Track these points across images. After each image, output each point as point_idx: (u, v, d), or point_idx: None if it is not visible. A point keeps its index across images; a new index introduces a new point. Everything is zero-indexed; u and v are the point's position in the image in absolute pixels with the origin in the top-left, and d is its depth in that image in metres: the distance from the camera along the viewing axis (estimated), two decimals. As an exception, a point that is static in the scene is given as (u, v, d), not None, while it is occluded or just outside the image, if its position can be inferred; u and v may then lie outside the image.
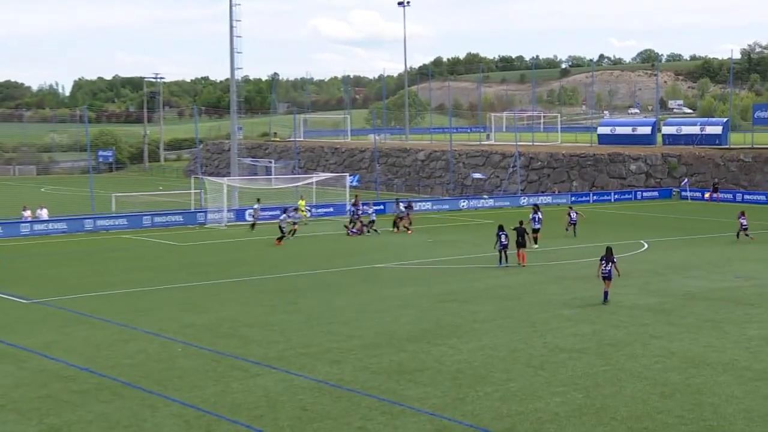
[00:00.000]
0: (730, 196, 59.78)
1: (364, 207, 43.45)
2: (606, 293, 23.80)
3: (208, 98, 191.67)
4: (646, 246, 36.40)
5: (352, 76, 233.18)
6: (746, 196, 58.72)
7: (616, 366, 17.28)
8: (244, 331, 20.81)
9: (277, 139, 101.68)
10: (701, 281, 27.03)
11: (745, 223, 37.80)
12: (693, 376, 16.43)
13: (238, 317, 22.48)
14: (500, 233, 30.78)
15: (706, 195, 58.64)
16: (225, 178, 51.74)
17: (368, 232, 41.52)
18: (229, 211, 48.25)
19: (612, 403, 14.92)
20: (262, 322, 21.82)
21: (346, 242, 39.01)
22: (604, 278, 23.76)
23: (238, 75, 55.00)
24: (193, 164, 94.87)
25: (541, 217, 36.38)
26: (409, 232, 41.80)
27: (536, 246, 34.97)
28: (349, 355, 18.49)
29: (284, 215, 38.97)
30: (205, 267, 31.52)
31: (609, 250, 24.31)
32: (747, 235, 37.81)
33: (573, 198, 60.46)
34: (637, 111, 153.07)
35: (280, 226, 38.56)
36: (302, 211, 47.17)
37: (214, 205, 48.51)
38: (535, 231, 35.77)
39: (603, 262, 23.90)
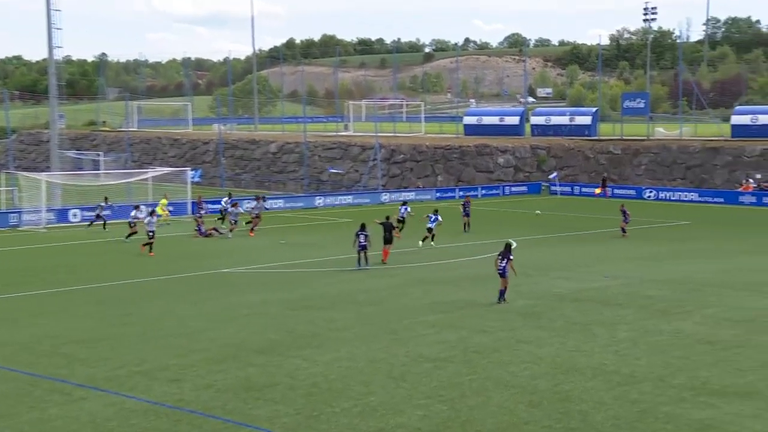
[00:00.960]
0: (600, 190, 63.07)
1: (231, 207, 42.45)
2: (501, 292, 24.89)
3: (21, 81, 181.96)
4: (514, 245, 37.76)
5: (193, 59, 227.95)
6: (616, 191, 62.23)
7: (483, 374, 17.82)
8: (69, 349, 19.94)
9: (107, 128, 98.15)
10: (570, 282, 28.37)
11: (628, 215, 40.02)
12: (561, 382, 17.21)
13: (61, 333, 21.52)
14: (359, 233, 31.15)
15: (597, 190, 60.58)
16: (43, 174, 49.52)
17: (220, 232, 40.92)
18: (48, 211, 46.16)
19: (478, 414, 15.38)
20: (89, 338, 20.98)
21: (189, 245, 38.18)
22: (500, 275, 24.82)
23: (58, 54, 52.74)
24: (4, 157, 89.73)
25: (439, 218, 37.41)
26: (252, 234, 41.30)
27: (433, 244, 36.82)
28: (189, 371, 18.09)
29: (150, 217, 36.56)
30: (22, 276, 30.01)
31: (507, 246, 25.42)
32: (624, 229, 39.98)
33: (438, 194, 61.94)
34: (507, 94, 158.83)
35: (148, 231, 36.03)
36: (163, 210, 46.34)
37: (31, 204, 46.26)
38: (430, 230, 37.29)
39: (500, 257, 24.94)
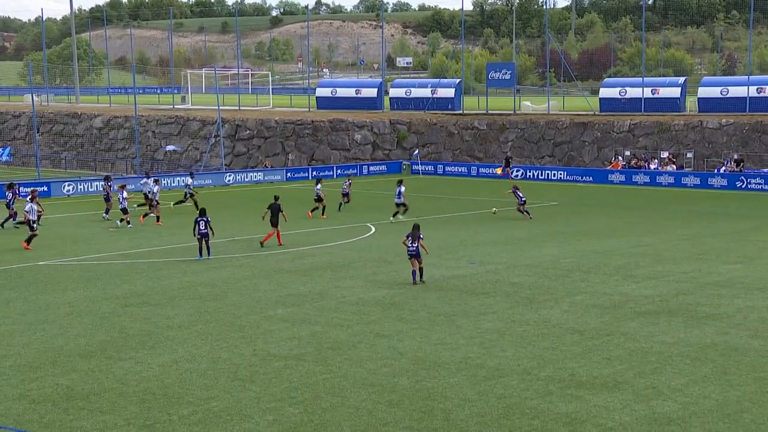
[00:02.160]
0: (463, 169, 64.72)
1: (148, 185, 42.03)
2: (414, 272, 26.70)
3: None
4: (373, 230, 38.28)
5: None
6: (481, 169, 63.98)
7: (339, 373, 17.98)
8: None
9: None
10: (434, 269, 28.97)
11: (522, 196, 41.63)
12: (424, 379, 17.60)
13: None
14: (199, 219, 30.80)
15: (498, 171, 60.98)
16: None
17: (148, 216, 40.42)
18: None
19: (333, 417, 15.52)
20: None
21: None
22: (411, 257, 26.64)
23: None
24: None
25: (402, 190, 41.07)
26: (159, 223, 40.06)
27: (401, 217, 40.30)
28: (-1, 382, 17.35)
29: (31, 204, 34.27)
30: None
31: (416, 226, 27.16)
32: (524, 211, 41.61)
33: (289, 174, 61.77)
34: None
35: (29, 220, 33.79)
36: None
37: None
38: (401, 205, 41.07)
39: (408, 238, 26.70)
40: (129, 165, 68.22)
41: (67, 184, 52.79)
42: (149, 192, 41.87)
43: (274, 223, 33.53)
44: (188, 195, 44.81)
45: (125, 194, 40.04)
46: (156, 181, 42.47)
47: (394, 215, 40.91)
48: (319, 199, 42.22)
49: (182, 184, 44.68)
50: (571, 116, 67.06)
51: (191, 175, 47.33)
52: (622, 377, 17.62)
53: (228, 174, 59.70)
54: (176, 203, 45.32)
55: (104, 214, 41.35)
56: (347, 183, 45.70)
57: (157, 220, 40.23)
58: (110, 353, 19.32)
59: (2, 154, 53.09)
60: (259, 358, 18.96)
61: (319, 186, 43.01)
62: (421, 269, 26.95)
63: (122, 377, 17.65)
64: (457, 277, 27.75)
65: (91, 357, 19.02)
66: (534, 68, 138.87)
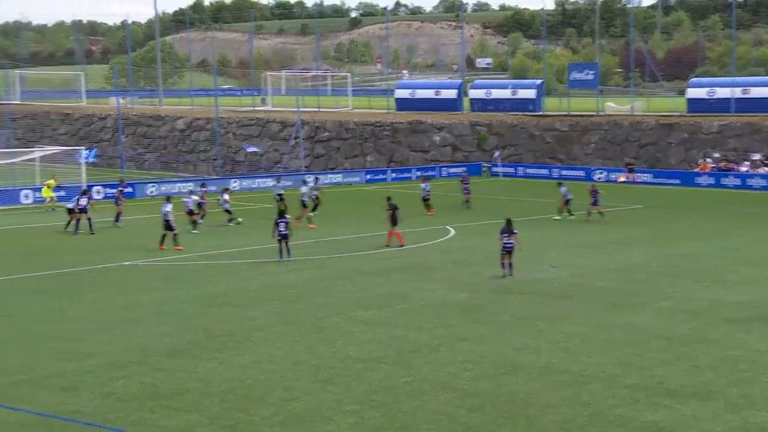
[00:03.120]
0: (544, 171, 64.11)
1: (278, 188, 43.38)
2: (503, 264, 27.76)
3: None
4: (453, 232, 38.18)
5: (85, 22, 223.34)
6: (563, 172, 63.26)
7: (419, 376, 17.97)
8: (-59, 357, 19.40)
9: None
10: (515, 272, 28.72)
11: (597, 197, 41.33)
12: (505, 383, 17.47)
13: (-69, 339, 20.92)
14: (279, 221, 31.06)
15: (621, 177, 59.56)
16: None
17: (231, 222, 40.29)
18: None
19: (414, 420, 15.52)
20: (-36, 344, 20.45)
21: (84, 234, 37.44)
22: (507, 252, 27.64)
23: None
24: None
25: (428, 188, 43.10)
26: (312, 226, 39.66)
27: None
28: (87, 378, 17.80)
29: (167, 203, 34.51)
30: None
31: (509, 221, 28.15)
32: (592, 213, 41.23)
33: (368, 176, 62.04)
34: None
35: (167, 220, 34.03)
36: (49, 194, 45.57)
37: None
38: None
39: (504, 234, 27.73)
40: (210, 167, 69.35)
41: (150, 185, 53.89)
42: (301, 195, 41.28)
43: (395, 222, 33.90)
44: (279, 198, 43.95)
45: (227, 197, 40.32)
46: (303, 182, 42.41)
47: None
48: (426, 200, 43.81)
49: (302, 188, 43.16)
50: (657, 117, 65.80)
51: (278, 179, 47.03)
52: (713, 386, 17.21)
53: (308, 175, 60.14)
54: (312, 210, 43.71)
55: (199, 219, 40.34)
56: (465, 180, 47.43)
57: (297, 220, 39.17)
58: (194, 353, 19.65)
59: (89, 155, 54.42)
60: (339, 360, 19.06)
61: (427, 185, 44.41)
62: (510, 264, 27.82)
63: (205, 377, 17.94)
64: (539, 281, 27.48)
65: (176, 356, 19.39)
66: (617, 68, 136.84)
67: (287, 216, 31.56)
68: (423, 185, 44.95)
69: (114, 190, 46.34)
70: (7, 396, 16.81)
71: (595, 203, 41.44)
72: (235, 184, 56.30)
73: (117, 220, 40.06)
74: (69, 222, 37.99)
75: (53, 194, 46.06)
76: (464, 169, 57.09)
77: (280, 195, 43.50)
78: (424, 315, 23.15)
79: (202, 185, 44.87)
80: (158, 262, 31.24)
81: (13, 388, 17.24)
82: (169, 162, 73.56)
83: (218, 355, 19.47)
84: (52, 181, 46.65)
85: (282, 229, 31.00)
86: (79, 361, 18.99)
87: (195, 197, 39.27)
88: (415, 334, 21.19)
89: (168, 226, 33.94)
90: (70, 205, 38.46)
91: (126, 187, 41.97)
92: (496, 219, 40.91)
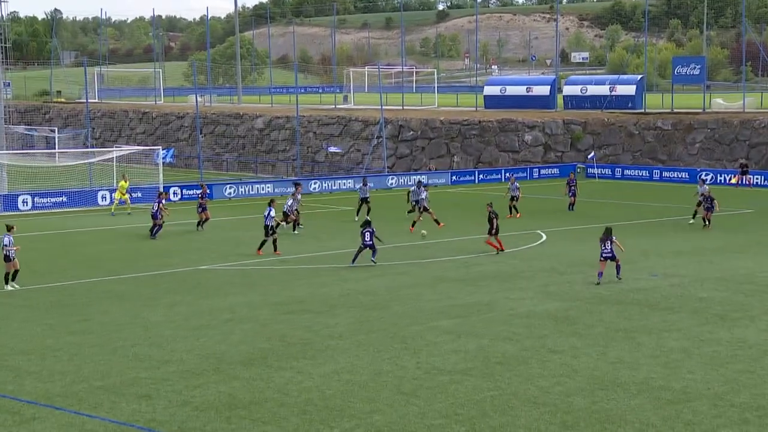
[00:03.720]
0: (644, 173, 63.11)
1: (417, 193, 41.17)
2: (601, 273, 28.00)
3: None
4: (544, 237, 37.87)
5: (164, 17, 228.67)
6: (665, 173, 62.19)
7: (508, 390, 17.87)
8: (16, 361, 20.04)
9: (62, 99, 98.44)
10: (611, 282, 28.37)
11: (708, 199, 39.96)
12: (601, 399, 17.25)
13: (6, 342, 21.64)
14: (365, 230, 31.16)
15: (733, 179, 58.47)
16: (-13, 153, 49.71)
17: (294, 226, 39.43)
18: (-6, 197, 46.39)
19: (503, 436, 15.43)
20: (40, 347, 21.08)
21: (160, 238, 38.23)
22: (607, 259, 28.07)
23: (3, 11, 52.80)
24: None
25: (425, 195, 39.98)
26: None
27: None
28: (163, 386, 18.17)
29: (269, 208, 34.47)
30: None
31: (608, 230, 28.65)
32: (707, 220, 40.01)
33: (454, 177, 61.96)
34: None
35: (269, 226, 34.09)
36: (123, 195, 46.46)
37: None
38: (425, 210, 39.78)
39: (603, 244, 28.20)
40: (290, 167, 70.14)
41: (228, 186, 54.77)
42: (417, 199, 40.87)
43: (495, 230, 33.42)
44: (363, 200, 43.39)
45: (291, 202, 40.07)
46: (425, 187, 41.31)
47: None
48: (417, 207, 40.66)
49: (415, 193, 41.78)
50: (769, 114, 64.17)
51: (364, 181, 45.10)
52: (828, 406, 16.71)
53: (390, 177, 60.40)
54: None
55: (300, 225, 40.08)
56: (571, 182, 47.03)
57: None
58: (271, 362, 19.89)
59: (167, 155, 55.57)
60: (423, 372, 19.08)
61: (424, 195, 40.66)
62: (618, 266, 28.37)
63: (283, 387, 18.14)
64: (638, 290, 27.07)
65: (252, 365, 19.66)
66: (727, 62, 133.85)
67: (372, 225, 31.61)
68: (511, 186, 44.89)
69: (196, 192, 46.84)
70: (84, 402, 17.28)
71: (709, 209, 39.97)
72: (315, 185, 56.86)
73: (201, 225, 40.23)
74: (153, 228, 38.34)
75: (127, 196, 46.66)
76: (582, 169, 57.00)
77: (365, 198, 43.30)
78: (513, 325, 23.01)
79: (297, 185, 44.68)
80: (235, 267, 31.72)
81: (89, 395, 17.71)
82: (248, 162, 74.63)
83: (296, 364, 19.67)
84: (123, 182, 47.15)
85: (367, 239, 31.07)
86: (155, 369, 19.40)
87: (292, 201, 39.19)
88: (503, 345, 21.09)
89: (269, 231, 34.00)
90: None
91: (205, 196, 41.25)
92: (590, 223, 40.48)
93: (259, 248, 34.04)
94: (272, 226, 34.12)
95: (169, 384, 18.34)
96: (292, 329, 22.74)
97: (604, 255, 28.09)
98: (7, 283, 27.76)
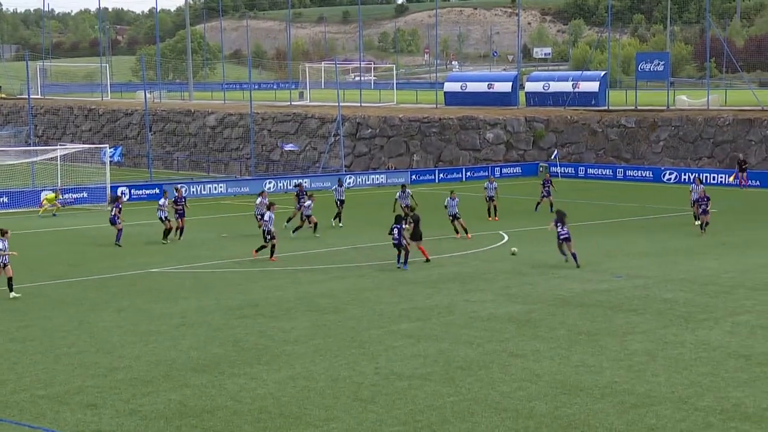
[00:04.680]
0: (608, 172, 63.69)
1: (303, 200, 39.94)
2: (573, 255, 30.89)
3: None
4: (506, 238, 38.09)
5: (110, 10, 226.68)
6: (629, 172, 62.82)
7: (469, 395, 17.95)
8: (-45, 370, 19.77)
9: (2, 95, 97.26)
10: (574, 283, 28.61)
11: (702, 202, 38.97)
12: (564, 404, 17.38)
13: (-55, 350, 21.32)
14: (395, 226, 30.93)
15: (731, 178, 57.99)
16: None
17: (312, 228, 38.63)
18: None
19: (463, 442, 15.50)
20: (-19, 356, 20.82)
21: (108, 240, 37.92)
22: (564, 240, 30.98)
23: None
24: None
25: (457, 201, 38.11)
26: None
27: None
28: (110, 394, 18.03)
29: (269, 212, 33.54)
30: None
31: (560, 212, 31.68)
32: (703, 223, 38.75)
33: (414, 176, 62.12)
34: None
35: (265, 230, 33.14)
36: (51, 197, 46.03)
37: None
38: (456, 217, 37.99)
39: (558, 225, 31.08)
40: (243, 166, 69.89)
41: (179, 185, 54.35)
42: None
43: (417, 235, 32.28)
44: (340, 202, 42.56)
45: (309, 202, 39.02)
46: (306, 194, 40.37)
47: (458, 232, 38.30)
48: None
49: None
50: (735, 112, 65.09)
51: (339, 182, 44.83)
52: (793, 409, 16.98)
53: (348, 176, 60.40)
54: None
55: (317, 232, 39.11)
56: (546, 182, 46.88)
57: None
58: (224, 368, 19.81)
59: (114, 154, 55.14)
60: (381, 377, 19.11)
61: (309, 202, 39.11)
62: (574, 254, 30.80)
63: (236, 394, 18.08)
64: (601, 292, 27.31)
65: (204, 372, 19.56)
66: (691, 58, 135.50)
67: (403, 222, 31.40)
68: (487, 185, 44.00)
69: (146, 193, 46.42)
70: (25, 412, 17.08)
71: (704, 212, 38.83)
72: (269, 185, 56.69)
73: (179, 233, 38.27)
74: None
75: (55, 200, 46.16)
76: (546, 168, 56.87)
77: (341, 200, 42.15)
78: (473, 329, 23.11)
79: (299, 185, 43.98)
80: (187, 269, 31.55)
81: (32, 404, 17.52)
82: (200, 161, 74.26)
83: (250, 371, 19.61)
84: (51, 195, 46.71)
85: (397, 235, 30.90)
86: (102, 376, 19.24)
87: (310, 201, 38.64)
88: (464, 350, 21.17)
89: (268, 236, 32.96)
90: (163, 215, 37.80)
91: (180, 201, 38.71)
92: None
93: (257, 250, 33.30)
94: (272, 230, 33.05)
95: (116, 392, 18.19)
96: (246, 334, 22.66)
97: (561, 237, 31.05)
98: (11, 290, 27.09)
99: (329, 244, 36.65)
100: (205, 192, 54.42)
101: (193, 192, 53.98)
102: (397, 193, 42.35)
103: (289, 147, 67.01)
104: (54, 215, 45.17)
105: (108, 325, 23.63)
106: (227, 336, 22.51)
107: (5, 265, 26.94)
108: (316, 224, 38.60)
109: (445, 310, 25.11)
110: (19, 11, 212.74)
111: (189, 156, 75.63)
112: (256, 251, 33.43)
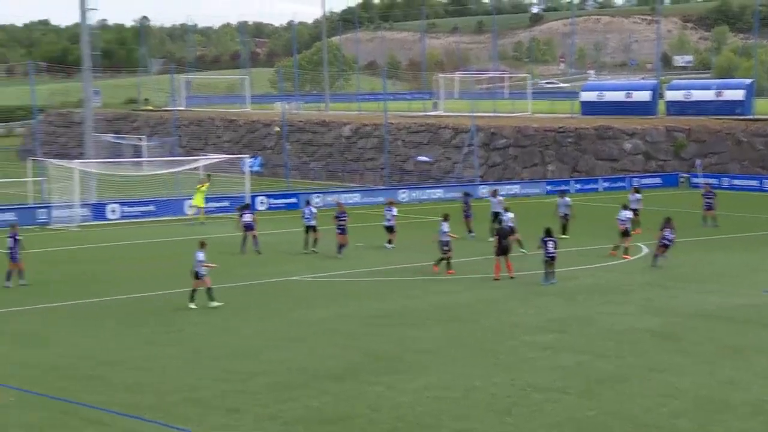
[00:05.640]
0: (754, 183, 61.66)
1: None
2: (657, 257, 32.27)
3: (49, 51, 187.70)
4: (645, 251, 37.29)
5: (251, 23, 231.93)
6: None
7: (607, 409, 17.68)
8: (107, 371, 20.56)
9: (150, 107, 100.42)
10: (719, 297, 27.85)
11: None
12: (709, 422, 16.93)
13: (97, 352, 22.19)
14: (546, 239, 30.21)
15: None
16: (76, 161, 50.98)
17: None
18: (83, 206, 47.55)
19: (603, 457, 15.27)
20: (131, 358, 21.60)
21: (247, 248, 38.78)
22: (666, 246, 32.06)
23: (92, 18, 54.14)
24: (29, 142, 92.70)
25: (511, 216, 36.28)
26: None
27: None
28: (251, 400, 18.45)
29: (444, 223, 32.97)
30: (50, 284, 30.98)
31: (668, 219, 32.36)
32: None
33: (549, 187, 61.45)
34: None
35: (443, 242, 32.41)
36: (199, 203, 46.82)
37: (62, 198, 47.67)
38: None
39: (666, 229, 32.13)
40: (378, 176, 70.45)
41: (315, 196, 55.21)
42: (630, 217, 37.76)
43: (504, 249, 31.19)
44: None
45: (395, 211, 38.70)
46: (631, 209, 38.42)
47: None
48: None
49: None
50: None
51: (494, 192, 42.73)
52: None
53: (482, 186, 60.18)
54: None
55: (470, 233, 39.26)
56: (708, 194, 44.29)
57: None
58: (360, 376, 20.02)
59: (254, 163, 56.27)
60: (517, 389, 18.99)
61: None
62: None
63: (373, 402, 18.24)
64: (749, 307, 26.49)
65: (342, 379, 19.81)
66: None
67: (555, 235, 30.81)
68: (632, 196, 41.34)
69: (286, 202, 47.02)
70: (172, 415, 17.64)
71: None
72: (403, 195, 56.98)
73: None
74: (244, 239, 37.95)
75: (203, 205, 47.03)
76: (707, 184, 53.31)
77: (496, 212, 39.74)
78: (613, 341, 22.74)
79: (467, 194, 42.70)
80: (324, 278, 31.99)
81: (178, 407, 18.08)
82: (335, 171, 75.21)
83: (386, 379, 19.75)
84: (204, 186, 47.42)
85: (551, 249, 30.21)
86: (244, 382, 19.70)
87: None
88: (603, 363, 20.86)
89: (444, 247, 32.37)
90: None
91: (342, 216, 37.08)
92: (694, 236, 39.70)
93: (436, 264, 32.55)
94: (448, 241, 32.39)
95: (257, 398, 18.60)
96: (383, 343, 22.85)
97: (662, 242, 32.23)
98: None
99: (463, 254, 36.54)
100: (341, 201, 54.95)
101: (329, 202, 54.66)
102: (490, 199, 41.37)
103: (422, 158, 67.21)
104: (202, 223, 46.34)
105: (250, 332, 24.19)
106: (364, 344, 22.75)
107: (203, 276, 27.19)
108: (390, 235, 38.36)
109: (583, 322, 24.79)
110: (165, 26, 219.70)
111: (325, 166, 76.68)
112: (436, 265, 32.51)
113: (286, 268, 33.97)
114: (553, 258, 30.08)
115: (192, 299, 27.21)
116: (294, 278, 31.94)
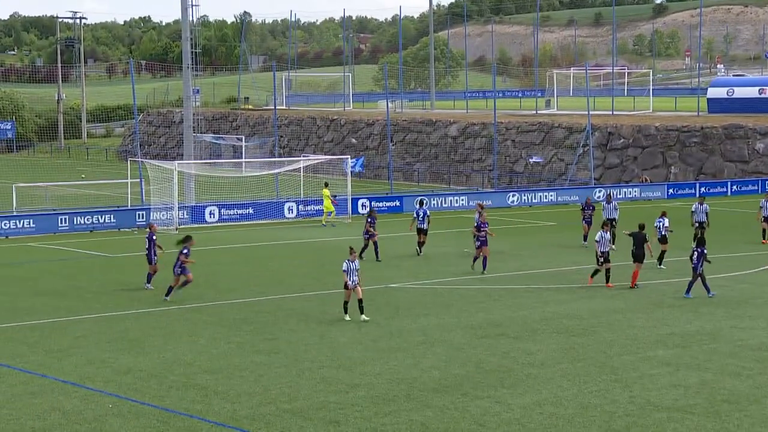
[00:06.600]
0: None
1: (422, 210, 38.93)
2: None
3: (149, 49, 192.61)
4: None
5: (354, 18, 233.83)
6: None
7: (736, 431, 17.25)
8: (204, 379, 20.89)
9: (250, 106, 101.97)
10: None
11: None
12: None
13: (194, 359, 22.56)
14: (697, 249, 29.29)
15: None
16: (176, 162, 52.01)
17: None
18: (181, 208, 48.48)
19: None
20: (227, 366, 21.89)
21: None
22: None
23: (193, 15, 55.09)
24: (129, 142, 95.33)
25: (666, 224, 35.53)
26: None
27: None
28: (352, 412, 18.53)
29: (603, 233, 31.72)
30: (148, 289, 31.64)
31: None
32: None
33: (671, 190, 60.36)
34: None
35: None
36: (329, 207, 47.74)
37: (161, 199, 48.66)
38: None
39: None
40: (486, 178, 70.19)
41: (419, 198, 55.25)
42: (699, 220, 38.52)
43: (638, 256, 31.00)
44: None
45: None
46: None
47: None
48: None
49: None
50: None
51: (609, 197, 41.83)
52: None
53: (598, 189, 59.44)
54: None
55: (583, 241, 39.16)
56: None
57: None
58: (466, 390, 19.94)
59: (356, 164, 56.60)
60: (637, 407, 18.69)
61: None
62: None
63: (480, 418, 18.14)
64: None
65: (446, 392, 19.75)
66: None
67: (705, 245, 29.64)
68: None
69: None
70: (271, 426, 17.83)
71: None
72: (513, 198, 56.65)
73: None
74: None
75: (333, 207, 47.74)
76: None
77: (612, 219, 38.93)
78: (741, 358, 22.20)
79: (608, 196, 41.92)
80: (427, 285, 31.97)
81: (277, 418, 18.26)
82: (441, 173, 75.20)
83: (493, 393, 19.63)
84: (326, 190, 48.15)
85: (696, 260, 29.25)
86: (344, 393, 19.80)
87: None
88: (731, 381, 20.37)
89: (601, 258, 31.40)
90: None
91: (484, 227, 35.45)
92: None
93: (592, 275, 31.67)
94: (605, 252, 31.45)
95: (358, 410, 18.67)
96: (489, 355, 22.72)
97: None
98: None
99: (576, 262, 36.16)
100: (446, 205, 55.01)
101: (433, 204, 54.65)
102: (603, 204, 40.64)
103: (534, 159, 66.75)
104: (333, 225, 46.84)
105: (348, 341, 24.30)
106: (469, 356, 22.65)
107: (355, 286, 26.75)
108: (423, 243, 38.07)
109: (708, 337, 24.26)
110: (267, 22, 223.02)
111: (429, 167, 76.75)
112: (591, 276, 31.75)
113: (386, 273, 34.05)
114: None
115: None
116: (394, 285, 31.96)
